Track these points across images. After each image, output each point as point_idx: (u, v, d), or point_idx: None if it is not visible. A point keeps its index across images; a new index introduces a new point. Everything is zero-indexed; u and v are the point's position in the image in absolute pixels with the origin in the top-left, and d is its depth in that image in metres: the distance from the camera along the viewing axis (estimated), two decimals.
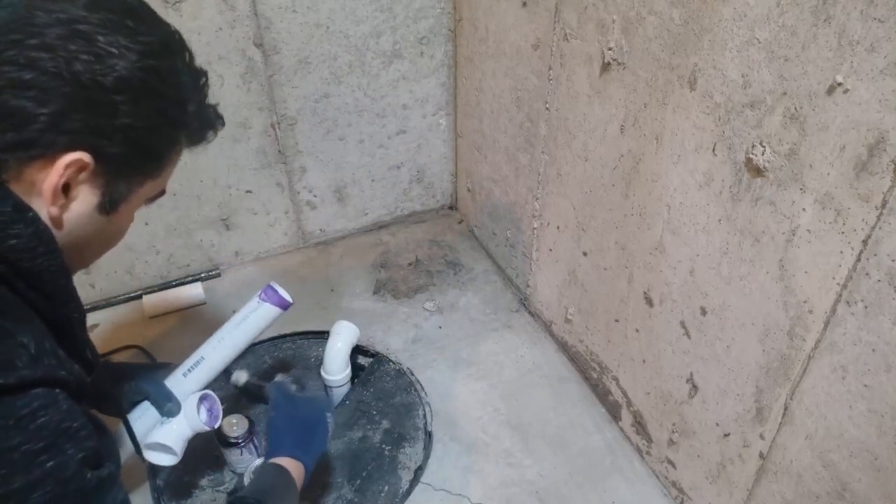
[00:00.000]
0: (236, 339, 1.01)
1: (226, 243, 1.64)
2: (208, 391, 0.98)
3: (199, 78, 0.71)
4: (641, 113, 0.99)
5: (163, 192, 0.76)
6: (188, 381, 0.97)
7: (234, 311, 1.51)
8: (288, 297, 1.04)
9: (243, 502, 0.84)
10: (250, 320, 1.03)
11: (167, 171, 0.73)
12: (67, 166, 0.59)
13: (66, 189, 0.62)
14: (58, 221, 0.63)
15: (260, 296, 1.04)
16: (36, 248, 0.59)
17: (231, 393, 1.30)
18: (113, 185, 0.66)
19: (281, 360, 1.39)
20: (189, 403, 0.94)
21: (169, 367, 1.01)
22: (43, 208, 0.61)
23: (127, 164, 0.65)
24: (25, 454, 0.53)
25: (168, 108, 0.67)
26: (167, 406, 0.94)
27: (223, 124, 0.77)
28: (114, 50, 0.59)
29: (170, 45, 0.67)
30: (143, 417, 0.96)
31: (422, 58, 1.59)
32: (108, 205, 0.67)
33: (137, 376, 0.98)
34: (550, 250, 1.39)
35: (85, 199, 0.64)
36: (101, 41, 0.59)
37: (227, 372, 1.09)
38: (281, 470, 0.90)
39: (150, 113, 0.64)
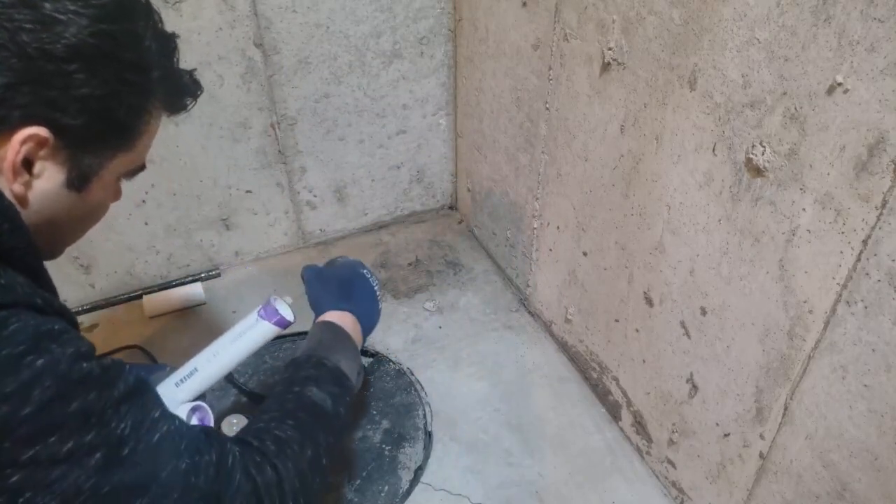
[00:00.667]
0: (231, 354, 0.99)
1: (226, 243, 1.64)
2: (200, 402, 0.96)
3: (166, 42, 0.68)
4: (641, 113, 0.99)
5: (142, 167, 0.72)
6: (180, 391, 0.95)
7: (233, 312, 1.52)
8: (289, 316, 0.99)
9: (295, 363, 0.81)
10: (247, 337, 1.00)
11: (141, 143, 0.69)
12: (23, 142, 0.58)
13: (28, 165, 0.60)
14: (23, 199, 0.61)
15: (259, 312, 1.00)
16: (1, 225, 0.57)
17: (232, 396, 1.30)
18: (79, 160, 0.63)
19: (281, 360, 1.39)
20: (180, 413, 0.93)
21: (159, 370, 0.99)
22: (7, 186, 0.59)
23: (90, 136, 0.63)
24: (7, 358, 0.51)
25: (128, 75, 0.63)
26: None
27: (201, 90, 0.74)
28: (61, 16, 0.57)
29: (127, 8, 0.63)
30: None
31: (422, 58, 1.59)
32: (77, 181, 0.64)
33: None
34: (550, 250, 1.39)
35: (51, 176, 0.62)
36: (48, 7, 0.56)
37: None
38: (327, 324, 0.88)
39: (107, 81, 0.61)
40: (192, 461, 0.61)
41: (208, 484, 0.61)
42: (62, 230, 0.71)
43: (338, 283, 0.97)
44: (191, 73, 0.72)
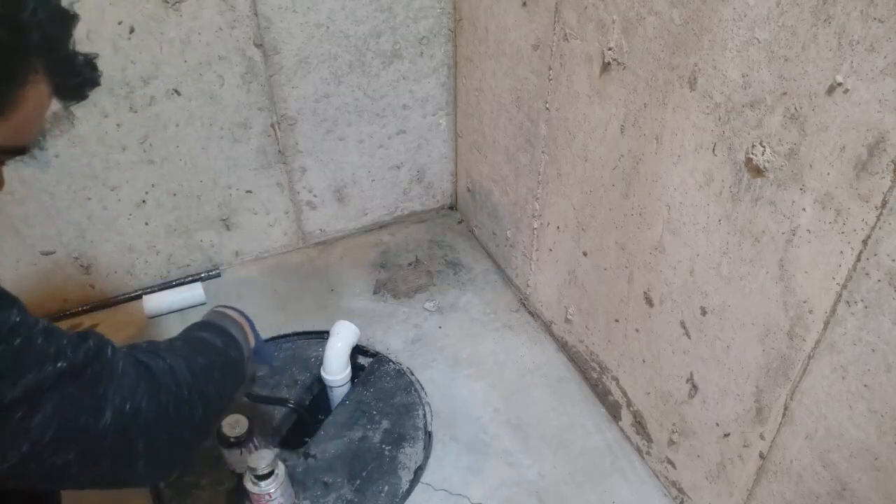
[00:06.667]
0: None
1: (226, 243, 1.64)
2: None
3: (58, 15, 0.62)
4: (641, 113, 0.99)
5: (21, 150, 0.66)
6: None
7: None
8: None
9: (186, 328, 0.86)
10: None
11: (16, 117, 0.61)
12: None
13: None
14: None
15: None
16: None
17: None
18: None
19: (281, 361, 1.39)
20: None
21: None
22: None
23: None
24: None
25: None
26: None
27: (98, 74, 0.68)
28: None
29: None
30: None
31: (422, 58, 1.59)
32: None
33: None
34: (550, 250, 1.39)
35: None
36: None
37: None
38: (215, 311, 0.94)
39: None
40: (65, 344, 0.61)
41: (83, 359, 0.61)
42: None
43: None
44: (87, 55, 0.67)
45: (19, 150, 0.65)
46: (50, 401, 0.58)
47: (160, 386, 0.67)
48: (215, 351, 0.82)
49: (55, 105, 0.68)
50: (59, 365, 0.59)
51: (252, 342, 0.95)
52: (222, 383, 0.80)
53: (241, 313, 0.97)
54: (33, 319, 0.60)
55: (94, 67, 0.68)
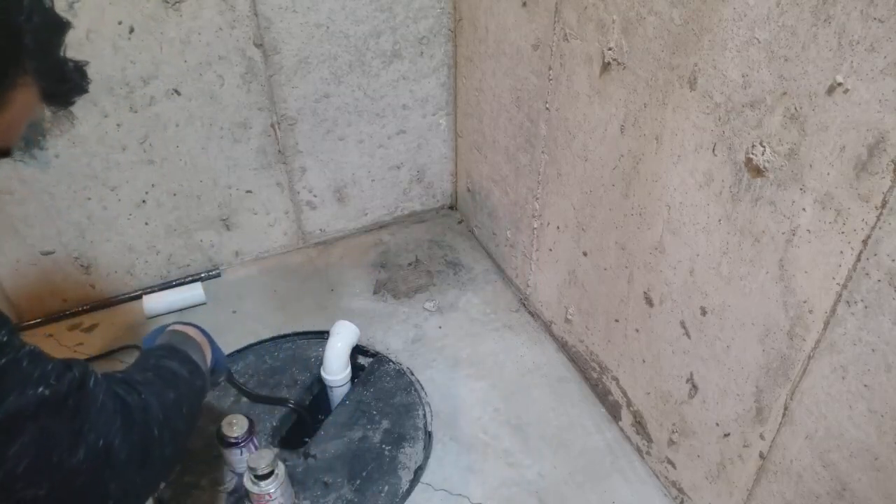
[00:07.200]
0: None
1: (226, 243, 1.64)
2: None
3: (53, 21, 0.63)
4: (641, 113, 0.99)
5: (5, 153, 0.66)
6: None
7: (234, 312, 1.52)
8: None
9: (147, 351, 0.86)
10: None
11: (3, 119, 0.62)
12: None
13: None
14: None
15: None
16: None
17: (231, 396, 1.30)
18: None
19: (281, 361, 1.39)
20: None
21: None
22: None
23: None
24: None
25: None
26: None
27: (87, 82, 0.68)
28: None
29: None
30: None
31: (422, 58, 1.59)
32: None
33: None
34: (550, 250, 1.39)
35: None
36: None
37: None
38: (173, 331, 0.93)
39: None
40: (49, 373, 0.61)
41: (66, 389, 0.61)
42: None
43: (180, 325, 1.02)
44: (77, 62, 0.67)
45: (2, 153, 0.65)
46: (28, 431, 0.57)
47: (134, 423, 0.68)
48: (183, 382, 0.82)
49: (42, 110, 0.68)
50: (40, 391, 0.58)
51: (209, 359, 0.96)
52: (190, 416, 0.81)
53: (200, 330, 0.98)
54: (20, 342, 0.60)
55: (83, 75, 0.68)
